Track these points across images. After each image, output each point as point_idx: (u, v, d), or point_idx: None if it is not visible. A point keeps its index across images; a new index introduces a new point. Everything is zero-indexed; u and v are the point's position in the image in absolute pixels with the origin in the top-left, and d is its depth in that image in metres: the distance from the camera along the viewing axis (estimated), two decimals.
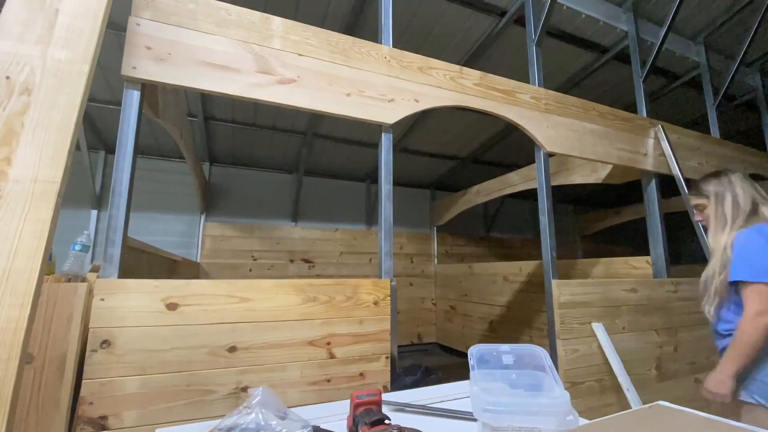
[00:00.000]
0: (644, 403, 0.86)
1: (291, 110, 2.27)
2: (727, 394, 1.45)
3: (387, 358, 1.90)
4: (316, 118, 4.12)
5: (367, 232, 5.58)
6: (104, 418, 1.38)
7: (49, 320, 1.39)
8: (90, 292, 1.46)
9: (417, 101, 2.21)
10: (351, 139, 4.81)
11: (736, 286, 1.53)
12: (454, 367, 4.66)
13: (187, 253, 4.45)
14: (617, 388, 2.41)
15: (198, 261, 4.56)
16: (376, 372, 1.86)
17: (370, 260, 5.48)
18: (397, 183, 5.12)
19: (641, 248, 3.33)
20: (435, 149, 5.36)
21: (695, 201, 1.79)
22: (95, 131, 4.09)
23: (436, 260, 5.94)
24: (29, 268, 0.98)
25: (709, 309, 1.67)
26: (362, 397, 0.95)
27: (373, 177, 5.72)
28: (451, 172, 5.96)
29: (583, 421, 0.96)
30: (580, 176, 3.74)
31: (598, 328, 2.45)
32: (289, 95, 1.89)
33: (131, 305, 1.48)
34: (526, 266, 4.09)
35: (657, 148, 3.14)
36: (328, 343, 1.79)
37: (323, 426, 0.97)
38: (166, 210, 4.60)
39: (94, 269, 1.58)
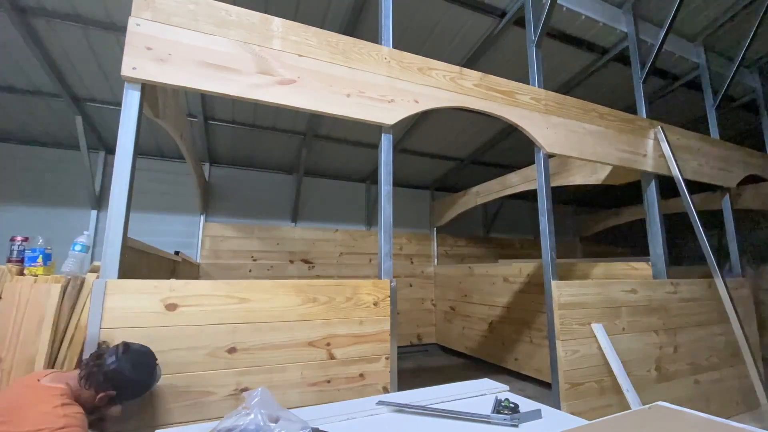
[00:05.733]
0: (644, 404, 0.86)
1: (291, 111, 2.27)
2: None
3: (387, 358, 1.90)
4: (316, 118, 4.12)
5: (366, 233, 5.57)
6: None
7: (20, 322, 1.37)
8: (89, 293, 1.46)
9: (417, 102, 2.21)
10: (351, 139, 4.81)
11: None
12: (454, 368, 4.66)
13: (187, 254, 4.44)
14: (617, 389, 2.41)
15: (198, 261, 4.56)
16: (375, 373, 1.86)
17: (370, 261, 5.48)
18: (397, 184, 5.12)
19: (641, 249, 3.33)
20: (435, 150, 5.37)
21: None
22: (95, 131, 4.09)
23: (435, 261, 5.94)
24: None
25: None
26: None
27: (373, 177, 5.72)
28: (451, 173, 5.96)
29: (583, 422, 0.96)
30: (580, 177, 3.74)
31: (598, 329, 2.45)
32: (289, 96, 1.89)
33: (130, 306, 1.48)
34: (526, 267, 4.09)
35: (657, 149, 3.14)
36: (328, 344, 1.78)
37: (322, 427, 0.97)
38: (166, 210, 4.59)
39: (94, 270, 1.58)
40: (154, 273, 2.46)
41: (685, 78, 4.27)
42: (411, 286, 5.67)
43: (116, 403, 1.29)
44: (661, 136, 3.15)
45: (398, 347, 1.97)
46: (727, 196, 3.71)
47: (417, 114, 2.25)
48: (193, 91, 1.75)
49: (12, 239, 1.67)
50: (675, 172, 3.05)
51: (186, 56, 1.72)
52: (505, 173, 4.78)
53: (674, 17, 3.23)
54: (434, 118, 4.43)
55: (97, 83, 3.49)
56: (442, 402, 1.20)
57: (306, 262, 5.12)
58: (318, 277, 5.10)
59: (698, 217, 3.03)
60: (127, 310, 1.47)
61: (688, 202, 3.03)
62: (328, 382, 1.75)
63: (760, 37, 3.87)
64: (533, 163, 2.70)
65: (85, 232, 1.81)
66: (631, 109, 3.28)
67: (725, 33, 3.92)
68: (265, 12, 1.95)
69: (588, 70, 3.98)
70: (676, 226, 5.79)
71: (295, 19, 2.02)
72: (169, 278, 2.91)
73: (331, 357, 1.78)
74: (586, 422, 0.84)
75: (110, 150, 4.41)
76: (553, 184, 3.16)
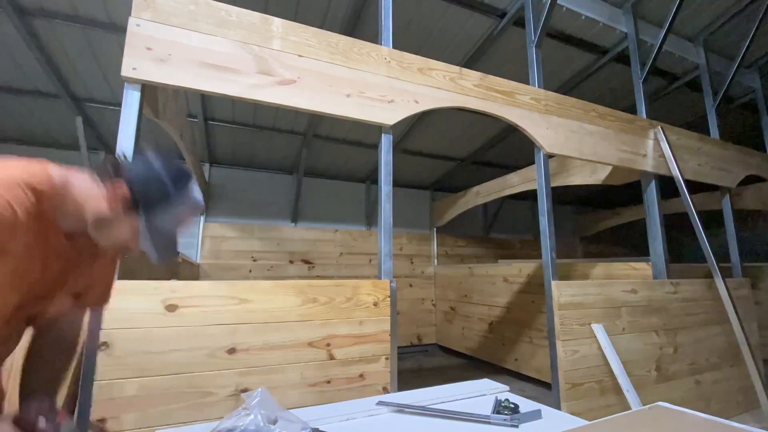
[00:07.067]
0: (644, 404, 0.86)
1: (291, 111, 2.27)
2: None
3: (387, 359, 1.90)
4: (316, 118, 4.12)
5: (366, 233, 5.57)
6: (103, 420, 1.38)
7: None
8: None
9: (417, 102, 2.21)
10: (351, 139, 4.81)
11: None
12: (454, 369, 4.65)
13: (187, 254, 4.44)
14: (617, 389, 2.41)
15: (198, 262, 4.56)
16: (375, 373, 1.86)
17: (370, 261, 5.48)
18: (396, 184, 5.12)
19: (641, 249, 3.32)
20: (435, 150, 5.37)
21: None
22: (95, 131, 4.09)
23: (435, 261, 5.93)
24: None
25: None
26: None
27: (373, 177, 5.72)
28: (451, 173, 5.96)
29: (583, 422, 0.96)
30: (579, 177, 3.74)
31: (598, 329, 2.45)
32: (289, 96, 1.89)
33: (130, 307, 1.48)
34: (526, 267, 4.09)
35: (657, 149, 3.14)
36: (328, 345, 1.78)
37: (322, 427, 0.97)
38: None
39: None
40: (154, 274, 2.45)
41: (685, 78, 4.27)
42: (411, 286, 5.67)
43: (132, 211, 0.83)
44: (661, 136, 3.15)
45: (398, 347, 1.97)
46: (727, 196, 3.71)
47: (417, 114, 2.25)
48: (193, 91, 1.75)
49: None
50: (675, 172, 3.05)
51: (186, 56, 1.72)
52: (505, 173, 4.78)
53: (674, 17, 3.23)
54: (434, 118, 4.43)
55: (97, 83, 3.49)
56: (442, 402, 1.20)
57: (306, 262, 5.11)
58: (318, 277, 5.10)
59: (698, 216, 3.03)
60: (127, 311, 1.47)
61: (688, 202, 3.03)
62: (328, 382, 1.75)
63: (760, 37, 3.87)
64: (533, 163, 2.70)
65: None
66: (631, 109, 3.28)
67: (725, 33, 3.92)
68: (265, 12, 1.95)
69: (588, 70, 3.98)
70: (675, 226, 5.79)
71: (295, 20, 2.02)
72: (169, 279, 2.91)
73: (331, 357, 1.78)
74: (586, 422, 0.84)
75: (110, 150, 4.41)
76: (553, 184, 3.15)
